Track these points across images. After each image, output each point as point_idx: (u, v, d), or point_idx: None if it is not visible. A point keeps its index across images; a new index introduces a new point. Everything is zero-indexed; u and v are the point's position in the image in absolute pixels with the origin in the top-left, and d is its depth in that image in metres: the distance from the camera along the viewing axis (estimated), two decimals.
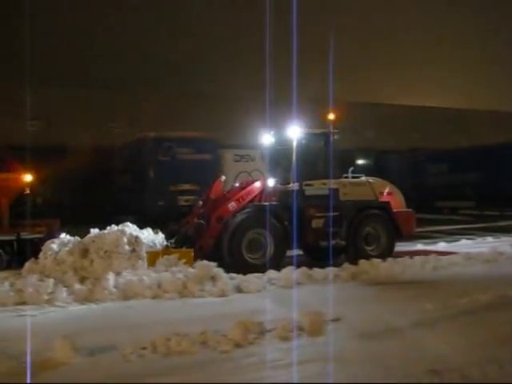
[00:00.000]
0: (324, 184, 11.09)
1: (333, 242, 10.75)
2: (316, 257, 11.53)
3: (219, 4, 28.03)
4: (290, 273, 9.15)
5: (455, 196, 24.99)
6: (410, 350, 5.37)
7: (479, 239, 15.14)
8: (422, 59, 31.91)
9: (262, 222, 10.34)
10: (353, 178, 11.78)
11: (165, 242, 10.22)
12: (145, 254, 9.17)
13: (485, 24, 31.71)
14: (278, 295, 8.23)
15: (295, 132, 11.03)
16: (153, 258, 9.27)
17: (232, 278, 8.85)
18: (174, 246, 10.17)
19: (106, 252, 8.91)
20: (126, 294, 8.09)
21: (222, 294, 8.20)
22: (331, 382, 4.61)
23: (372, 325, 6.21)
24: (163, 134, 17.44)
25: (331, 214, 10.78)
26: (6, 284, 8.19)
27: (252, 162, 17.75)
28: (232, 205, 10.53)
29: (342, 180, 11.51)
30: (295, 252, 11.00)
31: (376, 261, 10.35)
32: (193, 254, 9.67)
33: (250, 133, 13.36)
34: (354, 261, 10.35)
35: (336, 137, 11.36)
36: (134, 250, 9.05)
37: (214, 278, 8.66)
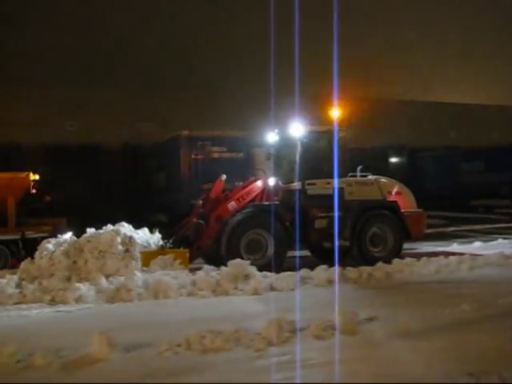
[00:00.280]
0: (328, 183, 10.78)
1: (337, 243, 10.39)
2: (322, 258, 11.22)
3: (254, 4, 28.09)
4: (323, 272, 9.11)
5: (490, 194, 24.58)
6: (448, 350, 5.29)
7: None
8: (460, 55, 31.39)
9: (261, 222, 10.21)
10: (361, 176, 11.47)
11: (160, 242, 10.00)
12: (138, 255, 9.05)
13: None
14: (310, 294, 8.19)
15: (298, 130, 10.77)
16: (147, 258, 9.15)
17: (265, 277, 8.86)
18: (171, 246, 9.93)
19: (100, 252, 8.82)
20: (156, 292, 8.12)
21: (256, 293, 8.22)
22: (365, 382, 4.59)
23: (408, 324, 6.13)
24: (196, 132, 17.54)
25: (335, 214, 10.43)
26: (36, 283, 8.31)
27: None
28: (232, 204, 10.34)
29: (348, 179, 11.21)
30: (298, 253, 10.57)
31: (410, 260, 10.24)
32: (188, 255, 9.52)
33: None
34: (388, 260, 10.10)
35: (342, 134, 11.04)
36: (127, 250, 8.94)
37: (247, 277, 8.69)
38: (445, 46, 31.68)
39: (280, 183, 11.07)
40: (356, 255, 10.74)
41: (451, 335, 5.79)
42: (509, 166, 23.78)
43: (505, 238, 14.75)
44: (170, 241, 10.06)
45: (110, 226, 9.55)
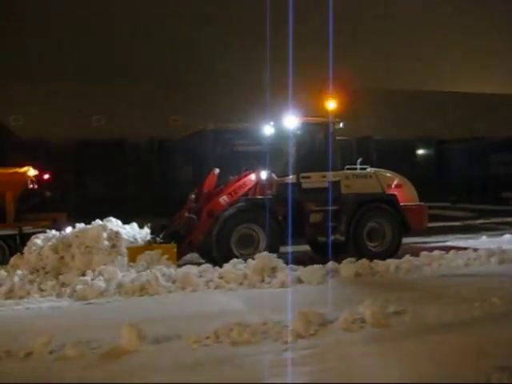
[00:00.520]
0: (323, 177, 10.56)
1: (331, 238, 10.22)
2: (320, 252, 11.02)
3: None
4: (351, 265, 9.09)
5: None
6: (478, 344, 5.23)
7: None
8: (489, 46, 30.85)
9: (253, 216, 10.03)
10: (360, 169, 11.15)
11: (148, 237, 9.78)
12: (125, 250, 8.93)
13: None
14: (338, 286, 8.20)
15: (292, 122, 10.58)
16: (134, 253, 9.00)
17: (292, 270, 8.86)
18: (161, 241, 9.67)
19: (86, 247, 8.73)
20: (183, 285, 8.16)
21: (283, 285, 8.22)
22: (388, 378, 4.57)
23: (437, 318, 6.09)
24: (222, 125, 17.58)
25: (330, 207, 10.25)
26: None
27: None
28: (224, 199, 10.13)
29: (345, 172, 10.92)
30: (290, 248, 10.18)
31: (438, 253, 10.11)
32: (175, 250, 9.34)
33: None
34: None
35: (338, 126, 10.82)
36: (114, 246, 8.83)
37: (274, 269, 8.70)
38: (473, 37, 31.15)
39: (275, 176, 10.76)
40: (352, 250, 10.38)
41: (481, 329, 5.73)
42: None
43: None
44: (160, 236, 9.85)
45: (98, 221, 9.44)
